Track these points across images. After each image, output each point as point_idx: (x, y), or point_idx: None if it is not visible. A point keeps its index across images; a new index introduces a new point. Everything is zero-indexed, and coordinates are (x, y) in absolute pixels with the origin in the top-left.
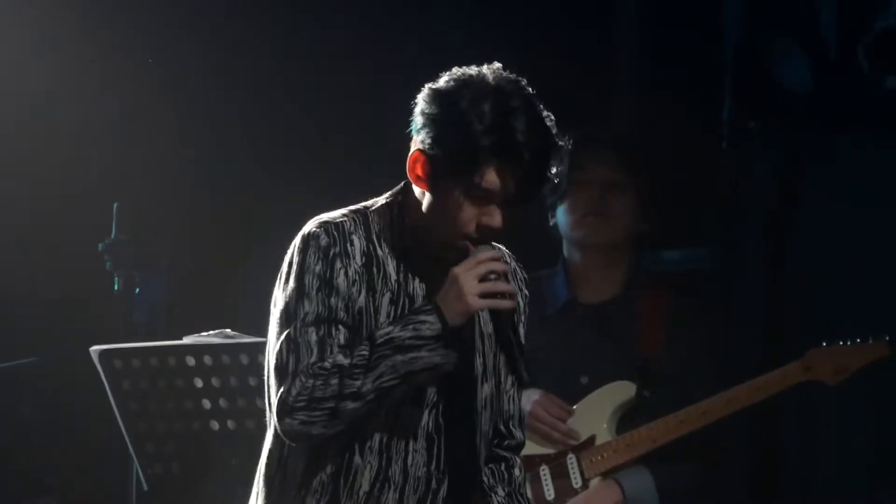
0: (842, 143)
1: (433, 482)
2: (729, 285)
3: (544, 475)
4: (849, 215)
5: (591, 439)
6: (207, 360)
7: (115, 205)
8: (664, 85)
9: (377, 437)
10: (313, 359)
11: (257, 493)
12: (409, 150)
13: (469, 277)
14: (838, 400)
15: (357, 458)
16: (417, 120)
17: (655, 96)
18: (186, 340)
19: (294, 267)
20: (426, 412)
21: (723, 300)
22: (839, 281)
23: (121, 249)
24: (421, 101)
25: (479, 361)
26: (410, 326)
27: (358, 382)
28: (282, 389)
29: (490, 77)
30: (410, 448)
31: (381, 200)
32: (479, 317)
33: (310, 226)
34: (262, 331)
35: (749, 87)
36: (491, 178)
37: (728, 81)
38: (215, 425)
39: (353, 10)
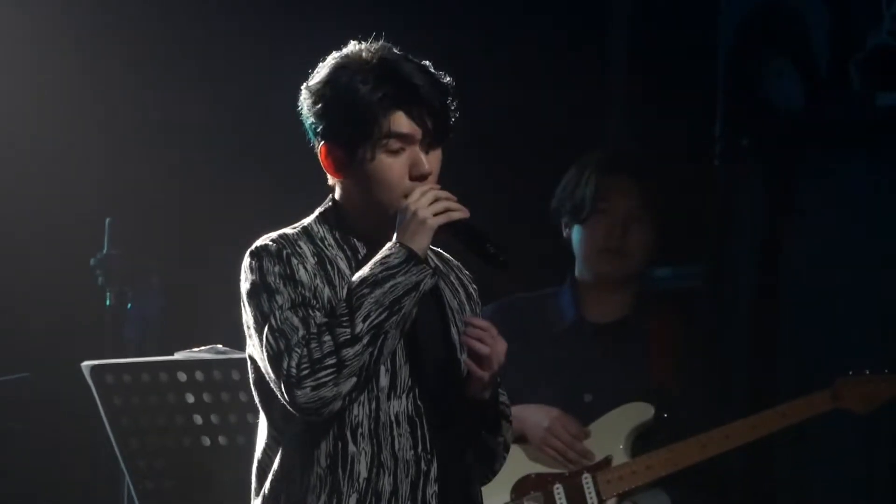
0: (834, 160)
1: (422, 464)
2: (721, 302)
3: (558, 494)
4: (841, 232)
5: (608, 460)
6: (199, 375)
7: (107, 220)
8: (656, 102)
9: (366, 423)
10: (301, 333)
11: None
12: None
13: (422, 204)
14: (830, 423)
15: (351, 446)
16: (309, 122)
17: (648, 114)
18: (178, 356)
19: (254, 278)
20: (403, 396)
21: (715, 318)
22: (831, 298)
23: (112, 264)
24: (304, 104)
25: (453, 331)
26: (378, 263)
27: (348, 328)
28: (282, 367)
29: (360, 51)
30: (395, 433)
31: (313, 215)
32: (444, 293)
33: (254, 244)
34: None
35: (741, 105)
36: (399, 124)
37: (720, 99)
38: (207, 441)
39: (349, 25)
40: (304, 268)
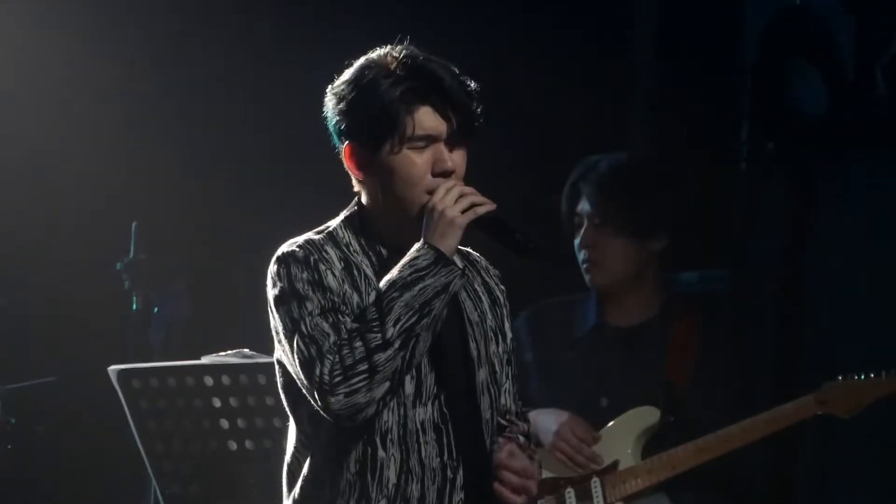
0: (858, 164)
1: (448, 471)
2: (745, 306)
3: (569, 497)
4: (865, 236)
5: (615, 464)
6: (225, 379)
7: (133, 224)
8: (682, 106)
9: (395, 429)
10: (332, 339)
11: None
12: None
13: (447, 202)
14: (852, 428)
15: (381, 452)
16: (333, 122)
17: (673, 117)
18: (204, 360)
19: (282, 285)
20: (429, 404)
21: (740, 321)
22: (855, 302)
23: (139, 268)
24: (329, 106)
25: (472, 346)
26: (406, 265)
27: (379, 333)
28: (315, 374)
29: (385, 54)
30: (422, 440)
31: (338, 219)
32: (463, 305)
33: (280, 250)
34: None
35: (766, 109)
36: (423, 120)
37: (745, 103)
38: (233, 445)
39: (366, 28)
40: (332, 273)
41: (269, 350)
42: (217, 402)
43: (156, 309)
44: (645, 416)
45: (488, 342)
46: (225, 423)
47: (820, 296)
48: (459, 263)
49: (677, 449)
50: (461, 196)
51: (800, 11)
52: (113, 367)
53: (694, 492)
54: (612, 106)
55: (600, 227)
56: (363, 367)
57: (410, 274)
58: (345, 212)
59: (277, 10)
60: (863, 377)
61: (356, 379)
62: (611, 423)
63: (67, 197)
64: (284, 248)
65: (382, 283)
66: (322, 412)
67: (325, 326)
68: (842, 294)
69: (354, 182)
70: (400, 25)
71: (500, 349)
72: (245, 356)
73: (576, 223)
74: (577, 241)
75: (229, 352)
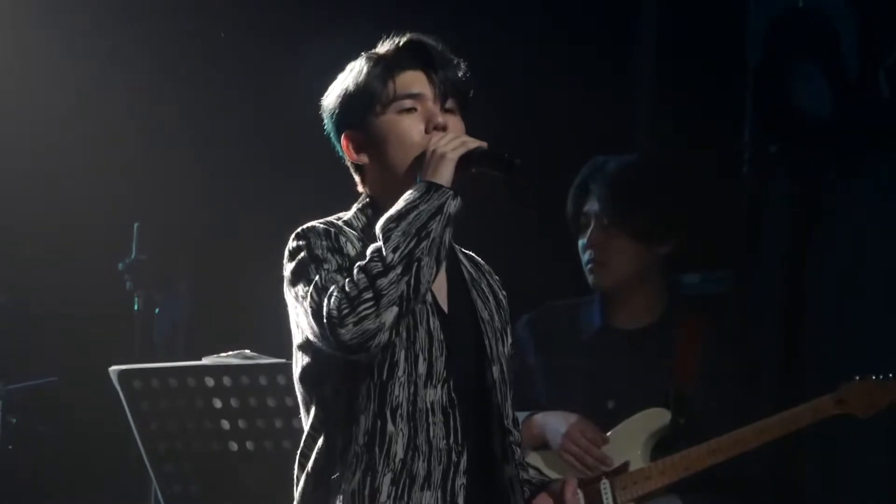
0: (862, 166)
1: (453, 454)
2: (749, 308)
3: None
4: (869, 238)
5: (625, 465)
6: (226, 380)
7: (135, 224)
8: (685, 108)
9: (405, 405)
10: (341, 283)
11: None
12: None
13: (442, 143)
14: (861, 429)
15: (390, 426)
16: (330, 122)
17: (676, 119)
18: (206, 361)
19: (302, 255)
20: (438, 387)
21: (744, 323)
22: (860, 303)
23: (141, 269)
24: (326, 110)
25: (485, 341)
26: (401, 200)
27: (379, 261)
28: (323, 314)
29: (368, 52)
30: (430, 420)
31: (351, 210)
32: (476, 304)
33: (300, 228)
34: (282, 352)
35: (770, 111)
36: (405, 80)
37: (749, 105)
38: (234, 446)
39: (366, 28)
40: (352, 245)
41: (271, 351)
42: (218, 403)
43: (157, 309)
44: (655, 418)
45: (498, 341)
46: (226, 424)
47: (824, 297)
48: (466, 268)
49: (690, 450)
50: (454, 139)
51: (803, 12)
52: (114, 368)
53: (705, 493)
54: (614, 107)
55: (608, 227)
56: (368, 294)
57: (405, 206)
58: (356, 204)
59: (281, 8)
60: (881, 377)
61: (362, 307)
62: (621, 425)
63: (70, 197)
64: (304, 225)
65: (379, 223)
66: (337, 351)
67: (338, 277)
68: (846, 295)
69: (357, 180)
70: (398, 25)
71: (506, 350)
72: (246, 357)
73: (582, 223)
74: (582, 242)
75: (230, 353)
